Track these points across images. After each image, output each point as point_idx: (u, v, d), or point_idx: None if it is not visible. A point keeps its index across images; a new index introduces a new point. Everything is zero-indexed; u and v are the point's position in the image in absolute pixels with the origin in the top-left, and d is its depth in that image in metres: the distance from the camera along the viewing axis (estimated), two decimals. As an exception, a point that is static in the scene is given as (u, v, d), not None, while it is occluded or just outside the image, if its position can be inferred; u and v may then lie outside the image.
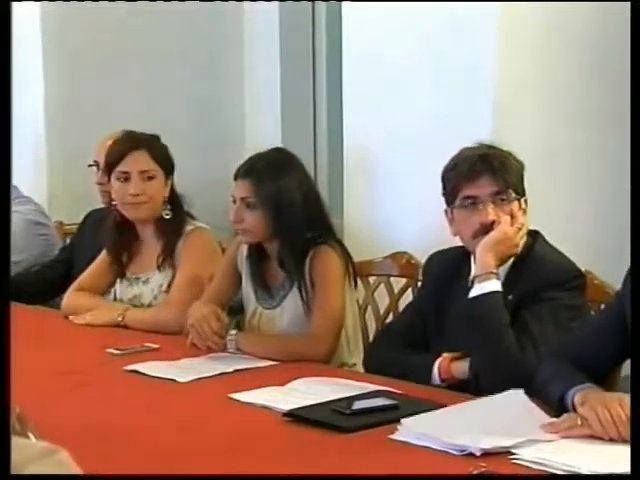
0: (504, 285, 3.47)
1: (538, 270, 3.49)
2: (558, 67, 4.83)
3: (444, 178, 3.59)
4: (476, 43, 4.75)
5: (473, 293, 3.41)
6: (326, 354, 3.82)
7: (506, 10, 4.71)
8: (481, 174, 3.49)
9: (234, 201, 4.00)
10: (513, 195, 3.51)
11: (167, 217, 4.45)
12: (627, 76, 4.84)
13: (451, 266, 3.70)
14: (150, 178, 4.41)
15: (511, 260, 3.53)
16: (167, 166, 4.48)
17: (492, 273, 3.40)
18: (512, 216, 3.48)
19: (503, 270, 3.51)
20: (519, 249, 3.51)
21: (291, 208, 3.98)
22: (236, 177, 4.04)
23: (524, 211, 3.55)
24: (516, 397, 3.06)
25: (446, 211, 3.60)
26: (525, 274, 3.50)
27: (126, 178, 4.41)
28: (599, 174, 4.83)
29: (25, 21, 6.37)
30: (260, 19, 6.82)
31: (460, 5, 4.74)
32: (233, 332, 3.91)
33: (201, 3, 6.53)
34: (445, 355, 3.51)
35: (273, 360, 3.78)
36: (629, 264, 3.16)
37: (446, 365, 3.49)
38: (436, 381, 3.48)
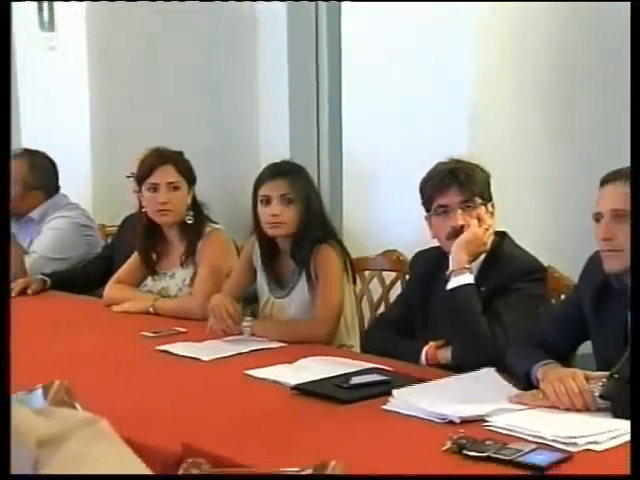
0: (477, 278, 3.48)
1: (507, 265, 3.50)
2: (524, 98, 4.80)
3: (421, 189, 3.62)
4: (457, 63, 4.72)
5: (450, 285, 3.42)
6: (327, 336, 3.84)
7: (482, 33, 4.65)
8: (450, 186, 3.51)
9: (268, 201, 3.97)
10: (479, 201, 3.52)
11: (189, 222, 4.49)
12: (590, 94, 4.85)
13: (432, 263, 3.70)
14: (175, 188, 4.44)
15: (482, 257, 3.54)
16: (190, 178, 4.51)
17: (465, 268, 3.42)
18: (479, 219, 3.50)
19: (476, 265, 3.52)
20: (487, 247, 3.54)
21: (313, 207, 4.02)
22: (267, 180, 4.02)
23: (491, 214, 3.57)
24: (488, 374, 3.09)
25: (426, 217, 3.61)
26: (496, 269, 3.51)
27: (155, 189, 4.44)
28: (559, 185, 4.81)
29: (74, 48, 6.39)
30: (270, 46, 6.82)
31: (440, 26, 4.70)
32: (249, 319, 3.91)
33: (216, 36, 6.58)
34: (431, 343, 3.51)
35: (283, 342, 3.78)
36: (584, 260, 3.18)
37: (433, 352, 3.49)
38: (423, 365, 3.47)
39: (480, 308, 3.38)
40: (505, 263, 3.51)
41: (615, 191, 2.93)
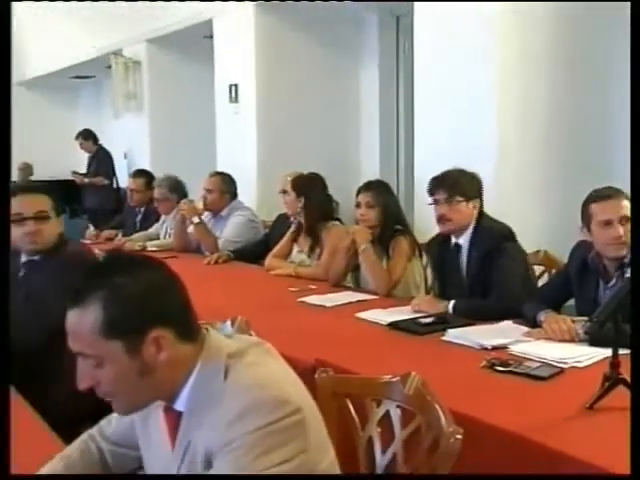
0: (470, 244, 3.40)
1: (488, 233, 3.36)
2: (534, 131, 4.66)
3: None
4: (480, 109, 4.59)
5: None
6: (385, 292, 3.80)
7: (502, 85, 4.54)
8: (437, 187, 3.43)
9: (358, 205, 3.97)
10: (460, 199, 3.38)
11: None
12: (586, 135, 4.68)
13: (441, 242, 3.58)
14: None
15: (470, 230, 3.40)
16: (302, 192, 4.51)
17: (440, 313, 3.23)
18: (460, 211, 3.38)
19: (467, 235, 3.41)
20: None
21: (391, 210, 3.97)
22: (359, 192, 4.01)
23: (474, 207, 3.41)
24: (509, 324, 3.01)
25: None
26: (481, 237, 3.38)
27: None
28: (558, 189, 4.63)
29: (248, 112, 6.51)
30: (364, 100, 6.86)
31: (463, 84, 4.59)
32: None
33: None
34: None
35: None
36: (568, 248, 3.10)
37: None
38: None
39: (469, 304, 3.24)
40: (486, 232, 3.37)
41: (620, 202, 2.78)
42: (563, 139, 4.68)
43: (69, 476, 1.55)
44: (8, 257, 2.53)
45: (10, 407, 1.70)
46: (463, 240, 3.44)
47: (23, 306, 2.67)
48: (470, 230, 3.42)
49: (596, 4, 4.52)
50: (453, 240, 3.48)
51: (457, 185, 3.40)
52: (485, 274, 3.30)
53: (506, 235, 3.37)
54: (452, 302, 3.27)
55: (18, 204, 2.76)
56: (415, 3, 4.84)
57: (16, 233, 2.76)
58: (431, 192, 3.45)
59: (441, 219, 3.42)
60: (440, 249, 3.57)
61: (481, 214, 3.45)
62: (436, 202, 3.42)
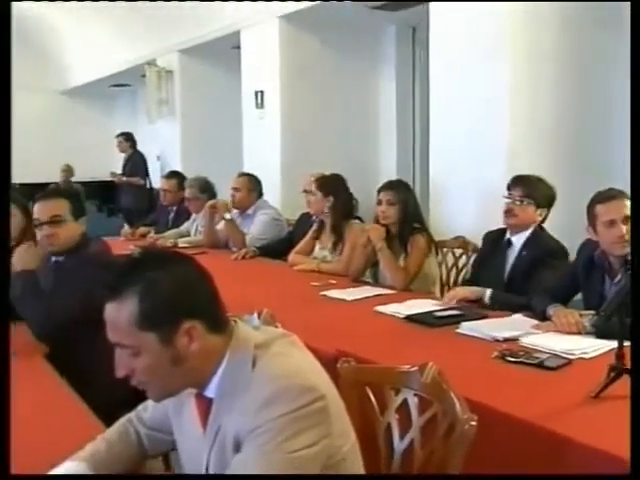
0: (523, 245, 3.40)
1: (545, 243, 3.36)
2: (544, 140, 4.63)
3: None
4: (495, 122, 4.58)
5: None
6: (402, 286, 3.78)
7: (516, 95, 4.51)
8: (515, 185, 3.45)
9: (379, 203, 3.94)
10: (530, 201, 3.40)
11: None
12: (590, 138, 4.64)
13: (494, 238, 3.59)
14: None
15: (529, 231, 3.41)
16: (327, 191, 4.45)
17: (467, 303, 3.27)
18: (527, 212, 3.39)
19: (524, 236, 3.42)
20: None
21: (410, 208, 3.94)
22: (379, 191, 3.98)
23: (540, 215, 3.43)
24: (520, 317, 3.00)
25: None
26: (537, 244, 3.37)
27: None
28: (564, 189, 4.57)
29: (272, 117, 6.49)
30: (382, 105, 6.84)
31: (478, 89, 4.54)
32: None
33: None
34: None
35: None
36: (577, 244, 3.07)
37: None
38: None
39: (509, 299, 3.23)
40: (542, 241, 3.38)
41: (623, 203, 2.76)
42: (569, 140, 4.64)
43: (71, 476, 1.56)
44: (9, 257, 2.58)
45: (9, 407, 1.72)
46: (517, 238, 3.44)
47: (50, 302, 2.72)
48: (528, 233, 3.42)
49: (597, 4, 4.48)
50: (507, 236, 3.49)
51: (533, 189, 3.42)
52: (528, 276, 3.30)
53: (560, 251, 3.35)
54: (489, 291, 3.25)
55: (36, 210, 2.84)
56: (431, 8, 4.82)
57: (38, 237, 2.83)
58: (509, 187, 3.48)
59: (508, 212, 3.43)
60: (491, 241, 3.58)
61: (542, 227, 3.46)
62: (510, 196, 3.45)
